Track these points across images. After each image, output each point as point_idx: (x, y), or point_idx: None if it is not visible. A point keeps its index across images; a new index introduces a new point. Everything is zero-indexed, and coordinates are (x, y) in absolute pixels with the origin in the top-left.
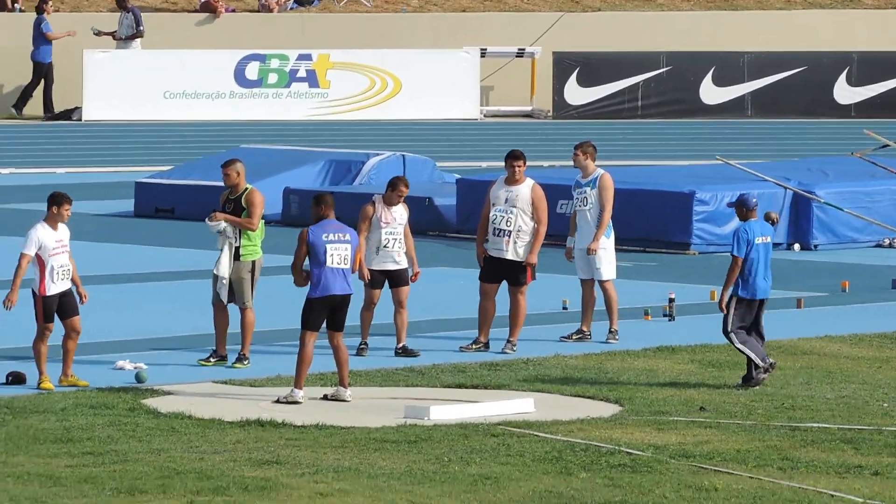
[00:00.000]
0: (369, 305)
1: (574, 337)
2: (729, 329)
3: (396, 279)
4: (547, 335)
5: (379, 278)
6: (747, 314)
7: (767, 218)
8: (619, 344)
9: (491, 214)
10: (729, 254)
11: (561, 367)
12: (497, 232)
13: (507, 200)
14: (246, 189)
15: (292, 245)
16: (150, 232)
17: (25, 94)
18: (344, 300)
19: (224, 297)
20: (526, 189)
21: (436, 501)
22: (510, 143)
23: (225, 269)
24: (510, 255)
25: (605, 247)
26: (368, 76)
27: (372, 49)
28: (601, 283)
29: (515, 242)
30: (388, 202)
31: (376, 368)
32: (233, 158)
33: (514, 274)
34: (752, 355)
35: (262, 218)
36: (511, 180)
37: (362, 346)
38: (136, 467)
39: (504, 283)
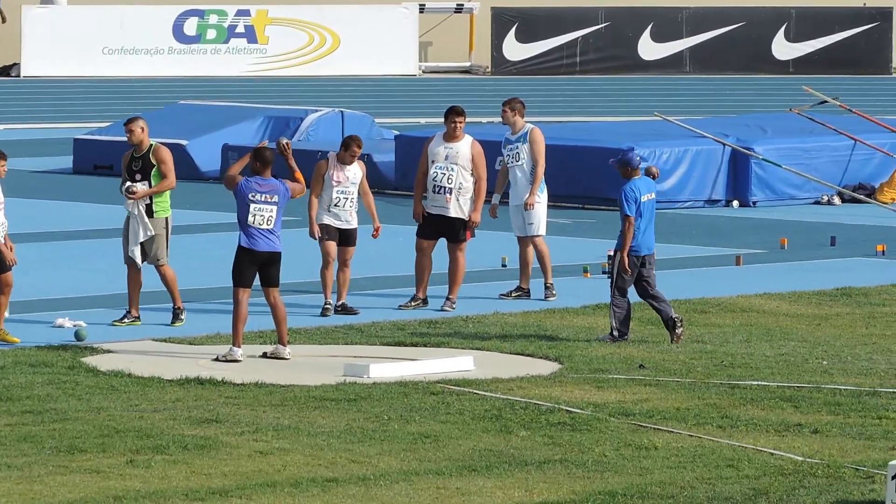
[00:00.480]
0: (327, 262)
1: (513, 294)
2: (617, 284)
3: (346, 238)
4: (486, 293)
5: (333, 232)
6: (632, 271)
7: (648, 173)
8: (558, 301)
9: (431, 171)
10: (621, 215)
11: (500, 324)
12: (438, 189)
13: (447, 157)
14: (151, 146)
15: (229, 202)
16: (88, 189)
17: None
18: (272, 256)
19: (138, 258)
20: (465, 146)
21: (375, 460)
22: (449, 100)
23: (141, 235)
24: (453, 213)
25: (540, 201)
26: (307, 32)
27: (311, 5)
28: (532, 238)
29: (458, 199)
30: (342, 161)
31: (315, 326)
32: (135, 116)
33: (455, 231)
34: (614, 321)
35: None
36: (451, 136)
37: (326, 307)
38: (75, 426)
39: (442, 241)
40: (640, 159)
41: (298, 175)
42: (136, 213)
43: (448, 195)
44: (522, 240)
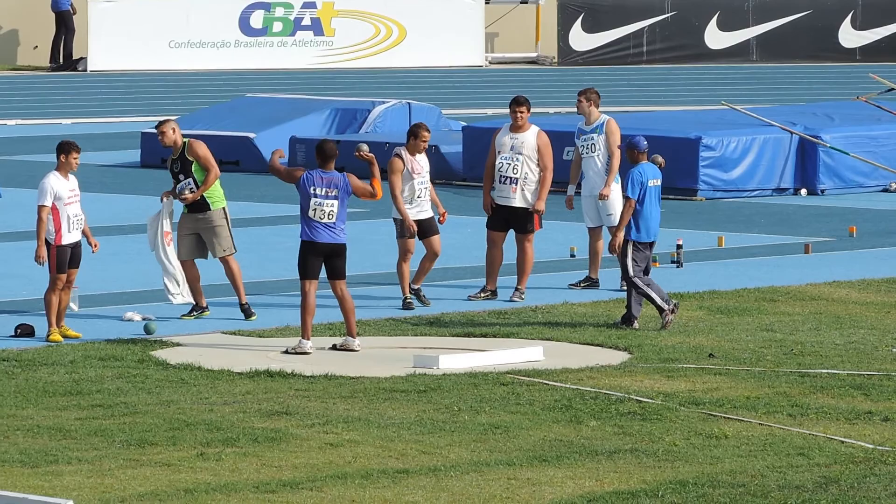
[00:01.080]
0: (405, 256)
1: (582, 284)
2: (632, 274)
3: (427, 228)
4: (555, 283)
5: (413, 227)
6: (642, 257)
7: (654, 162)
8: (624, 290)
9: (497, 162)
10: (624, 196)
11: (569, 314)
12: (503, 179)
13: (512, 148)
14: (185, 143)
15: (295, 195)
16: (156, 182)
17: (56, 46)
18: (335, 249)
19: (184, 254)
20: (531, 136)
21: (446, 451)
22: (515, 90)
23: (167, 225)
24: (518, 203)
25: (615, 192)
26: (373, 23)
27: None
28: (611, 229)
29: (523, 189)
30: (413, 150)
31: (385, 318)
32: (164, 119)
33: (522, 221)
34: (658, 299)
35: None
36: (515, 127)
37: (408, 300)
38: (145, 419)
39: (511, 232)
40: (647, 145)
41: (376, 182)
42: (165, 221)
43: (514, 185)
44: (593, 230)
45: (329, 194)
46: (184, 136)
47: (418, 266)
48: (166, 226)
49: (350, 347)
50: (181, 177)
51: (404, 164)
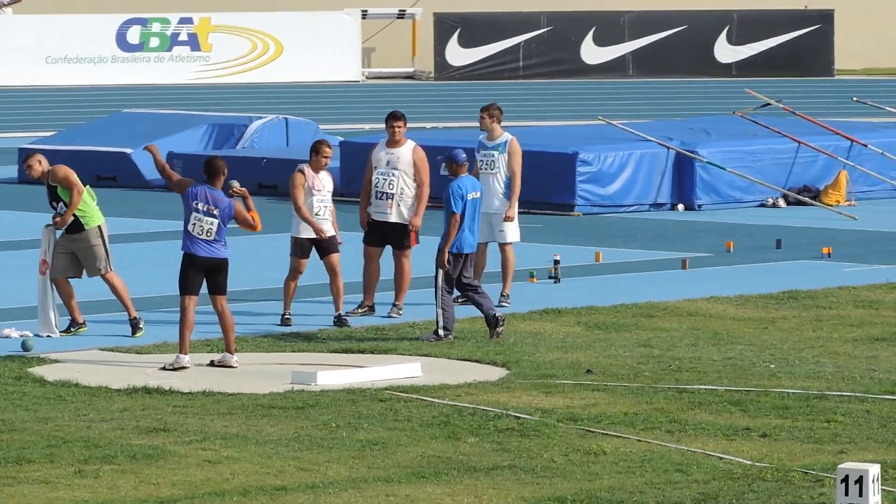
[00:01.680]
0: (295, 274)
1: (460, 301)
2: (441, 285)
3: (327, 247)
4: (433, 299)
5: (307, 246)
6: (453, 269)
7: (474, 173)
8: (503, 307)
9: (373, 177)
10: (447, 212)
11: None
12: (380, 195)
13: (388, 163)
14: (49, 171)
15: (175, 211)
16: (33, 198)
17: None
18: (215, 264)
19: (58, 271)
20: (407, 151)
21: (324, 467)
22: (392, 105)
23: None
24: (394, 218)
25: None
26: (250, 39)
27: (253, 12)
28: (502, 245)
29: (399, 205)
30: (316, 167)
31: (263, 334)
32: (31, 152)
33: (399, 237)
34: (441, 321)
35: (83, 181)
36: (391, 142)
37: (287, 317)
38: (23, 436)
39: (389, 247)
40: (465, 157)
41: (255, 214)
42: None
43: (390, 201)
44: (479, 246)
45: (210, 212)
46: (54, 153)
47: (331, 293)
48: (44, 255)
49: (228, 364)
50: (55, 204)
51: (305, 180)
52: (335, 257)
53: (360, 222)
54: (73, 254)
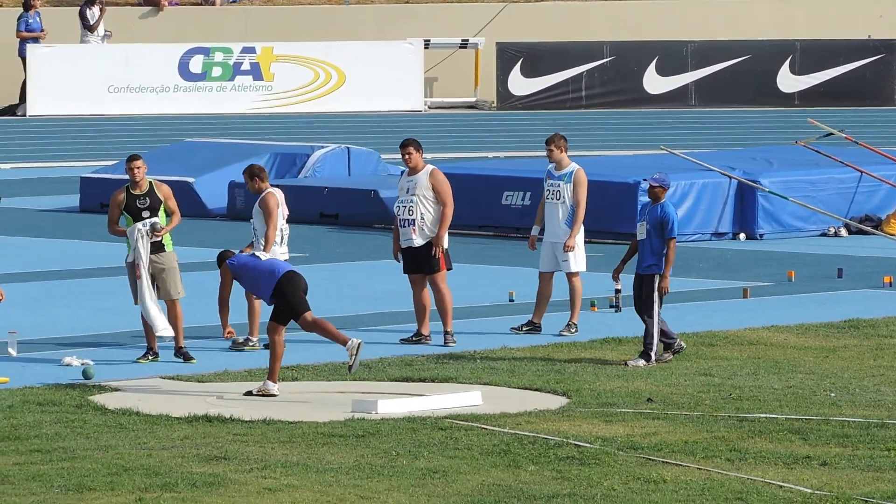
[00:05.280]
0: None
1: (524, 329)
2: (658, 310)
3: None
4: (494, 327)
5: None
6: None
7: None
8: (565, 336)
9: (395, 206)
10: (669, 238)
11: (508, 359)
12: (402, 223)
13: (407, 190)
14: (150, 182)
15: (239, 240)
16: (96, 227)
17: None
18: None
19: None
20: (424, 176)
21: (384, 496)
22: (454, 135)
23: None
24: (419, 242)
25: (578, 241)
26: (312, 68)
27: (316, 41)
28: (569, 275)
29: (422, 229)
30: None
31: (323, 363)
32: (135, 154)
33: (427, 261)
34: (656, 346)
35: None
36: (409, 170)
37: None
38: (84, 464)
39: None
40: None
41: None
42: (142, 251)
43: (413, 227)
44: (544, 275)
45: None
46: (117, 182)
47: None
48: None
49: (269, 392)
50: (146, 213)
51: (279, 205)
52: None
53: (392, 253)
54: (151, 275)
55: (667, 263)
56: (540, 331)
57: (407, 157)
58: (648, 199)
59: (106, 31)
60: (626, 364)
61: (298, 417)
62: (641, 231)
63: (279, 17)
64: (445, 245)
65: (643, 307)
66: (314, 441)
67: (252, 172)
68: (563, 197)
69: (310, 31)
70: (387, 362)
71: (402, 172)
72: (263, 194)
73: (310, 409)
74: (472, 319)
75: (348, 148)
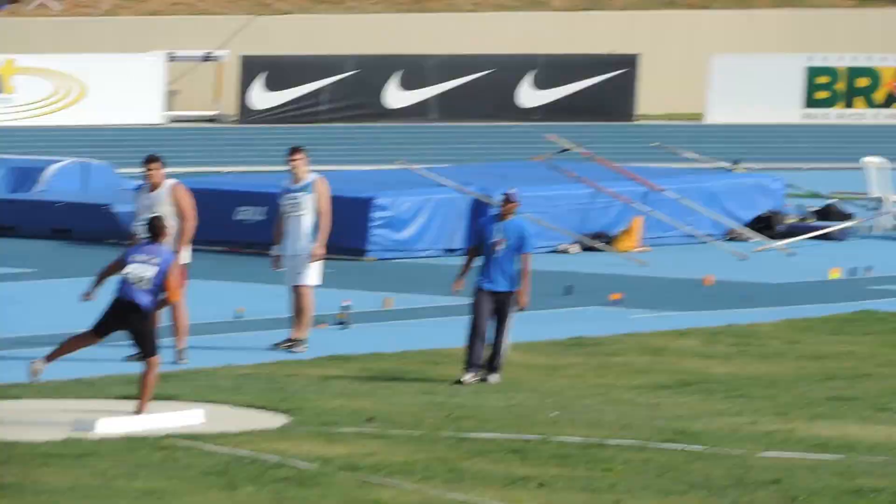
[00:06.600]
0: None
1: (284, 345)
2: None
3: None
4: (220, 344)
5: None
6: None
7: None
8: (293, 353)
9: (134, 227)
10: (527, 253)
11: (232, 376)
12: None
13: (148, 207)
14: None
15: None
16: None
17: None
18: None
19: None
20: (163, 191)
21: None
22: (192, 148)
23: None
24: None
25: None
26: (54, 81)
27: (58, 54)
28: (303, 287)
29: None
30: None
31: (45, 380)
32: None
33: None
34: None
35: None
36: (150, 186)
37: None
38: None
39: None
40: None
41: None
42: None
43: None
44: (298, 288)
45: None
46: None
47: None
48: None
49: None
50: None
51: None
52: None
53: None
54: None
55: (525, 278)
56: (306, 347)
57: (150, 172)
58: (493, 215)
59: None
60: (484, 380)
61: (16, 437)
62: (501, 247)
63: (23, 28)
64: (187, 259)
65: (500, 325)
66: (31, 461)
67: None
68: (305, 209)
69: (52, 42)
70: (109, 380)
71: (139, 187)
72: None
73: (29, 428)
74: (198, 336)
75: (83, 162)
